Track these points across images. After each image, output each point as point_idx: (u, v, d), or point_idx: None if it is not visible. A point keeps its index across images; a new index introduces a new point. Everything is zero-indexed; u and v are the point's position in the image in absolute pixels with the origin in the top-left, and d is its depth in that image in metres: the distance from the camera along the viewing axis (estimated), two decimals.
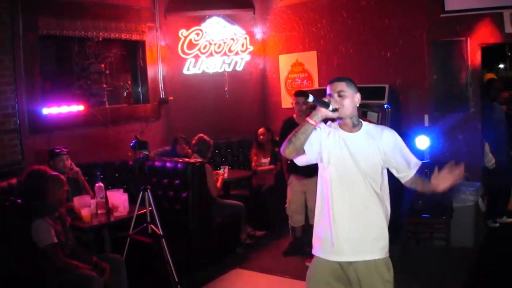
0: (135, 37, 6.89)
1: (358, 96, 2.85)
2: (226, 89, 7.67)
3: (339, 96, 2.77)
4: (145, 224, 4.64)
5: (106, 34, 6.43)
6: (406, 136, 6.17)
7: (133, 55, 7.20)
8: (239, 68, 7.69)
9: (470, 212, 5.62)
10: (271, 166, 6.90)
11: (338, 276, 2.83)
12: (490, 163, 6.20)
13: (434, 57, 6.14)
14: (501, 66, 13.34)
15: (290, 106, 6.07)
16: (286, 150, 2.82)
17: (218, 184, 6.00)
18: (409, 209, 5.68)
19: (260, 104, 8.04)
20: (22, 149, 5.47)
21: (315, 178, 3.00)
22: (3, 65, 5.32)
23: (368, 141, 2.82)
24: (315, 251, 2.96)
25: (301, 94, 5.46)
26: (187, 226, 5.26)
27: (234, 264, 5.58)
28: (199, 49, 7.41)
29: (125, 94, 7.18)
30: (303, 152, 2.82)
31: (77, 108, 6.03)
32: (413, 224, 5.69)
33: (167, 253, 4.61)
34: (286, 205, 5.76)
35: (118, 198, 4.77)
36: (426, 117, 6.24)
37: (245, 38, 7.66)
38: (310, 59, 7.43)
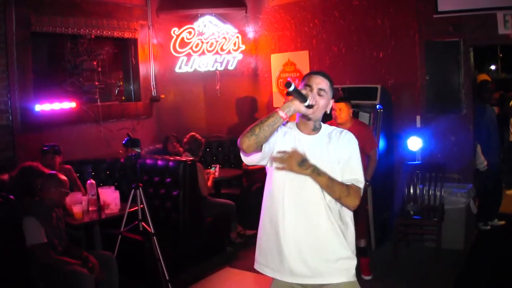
0: (127, 35, 6.90)
1: (331, 102, 2.56)
2: (217, 87, 7.67)
3: (319, 94, 2.47)
4: (136, 222, 4.63)
5: (98, 32, 6.43)
6: (398, 137, 6.21)
7: (125, 52, 7.19)
8: (231, 67, 7.68)
9: (461, 214, 5.60)
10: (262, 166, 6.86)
11: None
12: (482, 165, 6.20)
13: (426, 57, 6.13)
14: (493, 67, 13.40)
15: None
16: (245, 141, 2.35)
17: (209, 183, 5.99)
18: (400, 210, 5.71)
19: (252, 103, 8.03)
20: (14, 146, 5.44)
21: None
22: None
23: (327, 145, 2.52)
24: (259, 267, 2.75)
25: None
26: (178, 224, 5.28)
27: (224, 262, 5.57)
28: (191, 48, 7.40)
29: (117, 91, 7.19)
30: (260, 150, 2.44)
31: (69, 105, 6.03)
32: (404, 225, 5.69)
33: (158, 251, 4.60)
34: None
35: (110, 196, 4.76)
36: (418, 118, 6.22)
37: (237, 37, 7.65)
38: (302, 59, 7.42)
